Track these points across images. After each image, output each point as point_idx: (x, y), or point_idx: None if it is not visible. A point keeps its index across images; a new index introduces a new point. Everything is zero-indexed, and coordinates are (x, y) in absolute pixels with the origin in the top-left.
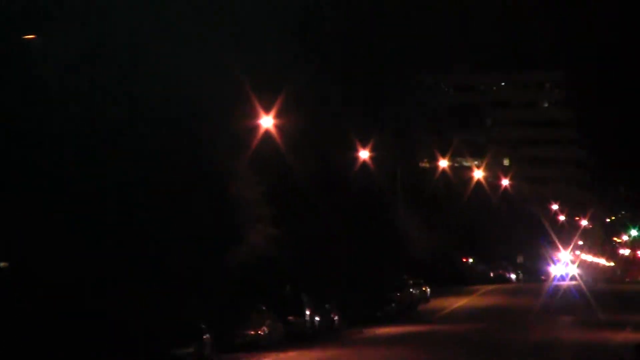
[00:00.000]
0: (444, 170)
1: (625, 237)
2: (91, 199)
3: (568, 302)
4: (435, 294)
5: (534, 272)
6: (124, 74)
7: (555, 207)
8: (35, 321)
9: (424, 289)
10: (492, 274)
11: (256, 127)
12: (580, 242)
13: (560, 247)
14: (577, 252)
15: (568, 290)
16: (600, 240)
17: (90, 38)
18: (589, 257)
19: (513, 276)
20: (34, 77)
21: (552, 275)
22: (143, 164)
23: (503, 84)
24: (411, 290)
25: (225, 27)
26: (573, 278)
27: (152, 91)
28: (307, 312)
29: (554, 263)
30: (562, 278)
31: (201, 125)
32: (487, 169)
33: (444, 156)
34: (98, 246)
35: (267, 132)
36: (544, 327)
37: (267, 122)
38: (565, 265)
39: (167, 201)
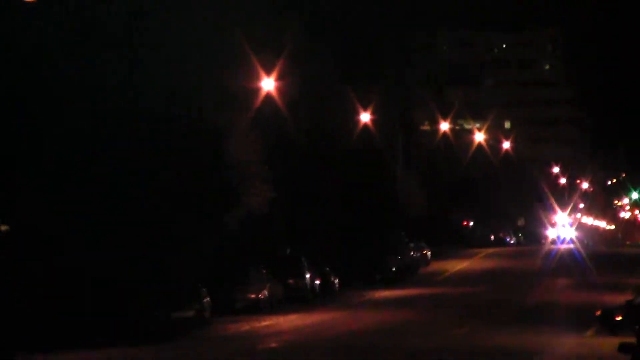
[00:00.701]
0: (445, 133)
1: (626, 200)
2: (88, 162)
3: (565, 265)
4: (436, 256)
5: (535, 235)
6: (120, 35)
7: (556, 169)
8: (34, 286)
9: (424, 252)
10: (492, 237)
11: (257, 89)
12: (581, 205)
13: (557, 209)
14: (577, 215)
15: (565, 253)
16: (601, 203)
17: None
18: (589, 220)
19: (514, 239)
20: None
21: (550, 239)
22: (141, 125)
23: (504, 45)
24: (412, 253)
25: None
26: (571, 241)
27: (150, 53)
28: (307, 275)
29: (552, 226)
30: (560, 241)
31: (200, 86)
32: (488, 131)
33: (445, 118)
34: (96, 210)
35: (267, 94)
36: (541, 290)
37: (268, 84)
38: (563, 228)
39: (166, 162)
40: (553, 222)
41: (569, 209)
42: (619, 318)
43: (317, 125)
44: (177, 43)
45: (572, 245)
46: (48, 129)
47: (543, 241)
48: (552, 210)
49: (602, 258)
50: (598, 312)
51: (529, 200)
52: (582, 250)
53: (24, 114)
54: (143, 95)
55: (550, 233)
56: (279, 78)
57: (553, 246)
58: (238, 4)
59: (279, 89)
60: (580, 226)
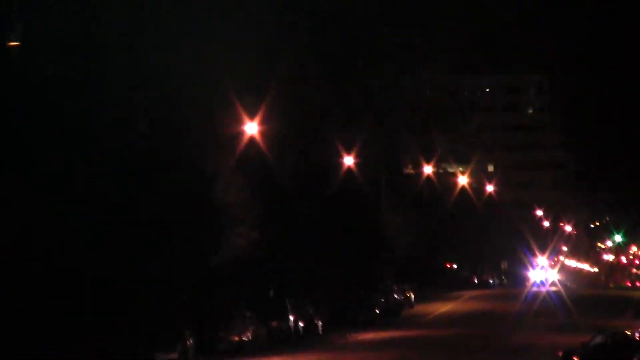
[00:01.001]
0: (428, 176)
1: (609, 243)
2: (83, 199)
3: (548, 307)
4: (420, 299)
5: (518, 278)
6: (109, 72)
7: (539, 212)
8: (25, 312)
9: (408, 294)
10: (476, 280)
11: (241, 133)
12: (565, 248)
13: (538, 252)
14: (561, 258)
15: (547, 296)
16: (585, 245)
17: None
18: (572, 263)
19: (497, 282)
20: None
21: (532, 281)
22: (127, 165)
23: (487, 90)
24: (395, 295)
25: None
26: (553, 284)
27: (137, 92)
28: (291, 318)
29: (533, 268)
30: (542, 283)
31: (186, 130)
32: (472, 175)
33: (428, 162)
34: (84, 248)
35: (251, 138)
36: (523, 332)
37: (251, 128)
38: (544, 270)
39: (152, 204)
40: (535, 264)
41: (550, 251)
42: (576, 359)
43: (301, 167)
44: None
45: (554, 288)
46: (49, 132)
47: (526, 283)
48: (533, 252)
49: (586, 300)
50: (559, 353)
51: (512, 243)
52: (563, 292)
53: (26, 114)
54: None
55: (532, 275)
56: (262, 122)
57: (535, 288)
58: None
59: (263, 134)
60: (564, 268)
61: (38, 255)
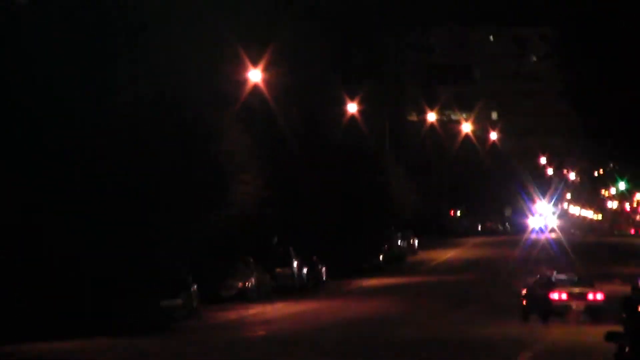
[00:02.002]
0: (432, 124)
1: (613, 190)
2: (81, 159)
3: (548, 254)
4: (424, 246)
5: (522, 225)
6: (106, 29)
7: (543, 160)
8: (19, 275)
9: (411, 241)
10: (479, 227)
11: (244, 81)
12: (568, 195)
13: (538, 198)
14: (563, 205)
15: (547, 243)
16: (588, 193)
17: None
18: (576, 210)
19: (501, 228)
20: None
21: (530, 228)
22: (129, 118)
23: (492, 39)
24: (399, 242)
25: None
26: (553, 230)
27: (135, 47)
28: (295, 264)
29: (532, 215)
30: (542, 230)
31: (186, 80)
32: (476, 122)
33: (432, 109)
34: (85, 202)
35: (254, 87)
36: (525, 279)
37: (255, 75)
38: (544, 217)
39: (154, 156)
40: (534, 210)
41: (551, 198)
42: None
43: (306, 118)
44: (162, 33)
45: (553, 235)
46: (42, 125)
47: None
48: (532, 199)
49: (589, 247)
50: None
51: (516, 190)
52: (563, 239)
53: (19, 112)
54: (128, 90)
55: (531, 222)
56: (266, 69)
57: (534, 235)
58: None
59: (267, 82)
60: (567, 216)
61: (42, 208)
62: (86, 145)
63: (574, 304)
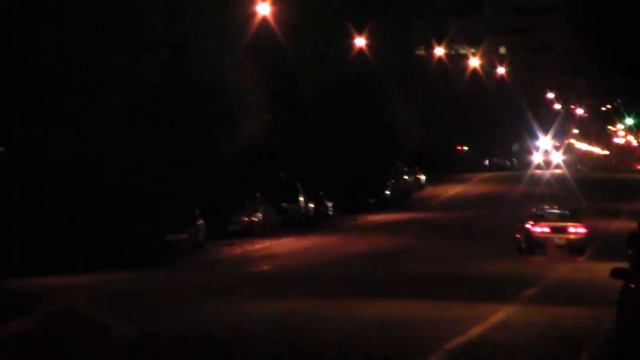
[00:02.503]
0: (440, 58)
1: (620, 126)
2: (88, 95)
3: (553, 190)
4: (431, 181)
5: (529, 160)
6: None
7: (551, 95)
8: (28, 208)
9: (418, 176)
10: (487, 162)
11: (252, 15)
12: (576, 131)
13: (543, 134)
14: (569, 140)
15: (552, 179)
16: (596, 128)
17: None
18: (584, 146)
19: (508, 164)
20: None
21: (534, 163)
22: (137, 51)
23: None
24: (405, 177)
25: None
26: (557, 166)
27: None
28: (301, 200)
29: (537, 150)
30: (546, 166)
31: (193, 12)
32: (483, 57)
33: (439, 43)
34: (96, 132)
35: (263, 20)
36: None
37: (263, 9)
38: (548, 152)
39: (164, 89)
40: (538, 146)
41: (555, 133)
42: None
43: (314, 52)
44: None
45: (558, 170)
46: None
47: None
48: (536, 135)
49: (595, 183)
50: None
51: (524, 125)
52: (568, 175)
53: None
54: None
55: (535, 158)
56: (274, 2)
57: (537, 171)
58: None
59: (275, 16)
60: (574, 152)
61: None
62: (91, 80)
63: (556, 238)
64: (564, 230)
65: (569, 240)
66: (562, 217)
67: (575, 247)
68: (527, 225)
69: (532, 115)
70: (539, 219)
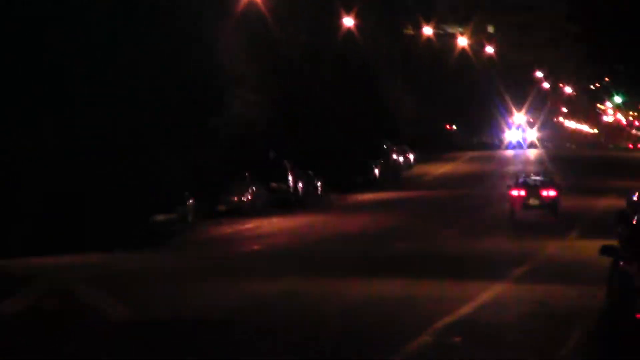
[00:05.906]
0: (428, 38)
1: (608, 104)
2: (75, 69)
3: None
4: (420, 160)
5: (502, 138)
6: None
7: (540, 74)
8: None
9: (407, 155)
10: (475, 141)
11: None
12: (564, 109)
13: (514, 109)
14: (558, 118)
15: (524, 158)
16: (584, 106)
17: None
18: (572, 124)
19: (497, 143)
20: None
21: (506, 142)
22: (124, 25)
23: None
24: (394, 156)
25: None
26: (532, 144)
27: None
28: (290, 178)
29: (509, 128)
30: (519, 145)
31: None
32: (472, 36)
33: (427, 22)
34: (83, 111)
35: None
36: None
37: None
38: (522, 130)
39: (151, 65)
40: (511, 122)
41: (527, 108)
42: None
43: (302, 31)
44: None
45: (533, 149)
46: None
47: (501, 145)
48: (509, 110)
49: (585, 161)
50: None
51: (514, 103)
52: (544, 155)
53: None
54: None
55: (508, 136)
56: None
57: (510, 150)
58: None
59: None
60: (561, 129)
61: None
62: (80, 56)
63: (531, 200)
64: (537, 192)
65: (542, 201)
66: (539, 183)
67: (548, 206)
68: (508, 190)
69: (504, 89)
70: (520, 185)
